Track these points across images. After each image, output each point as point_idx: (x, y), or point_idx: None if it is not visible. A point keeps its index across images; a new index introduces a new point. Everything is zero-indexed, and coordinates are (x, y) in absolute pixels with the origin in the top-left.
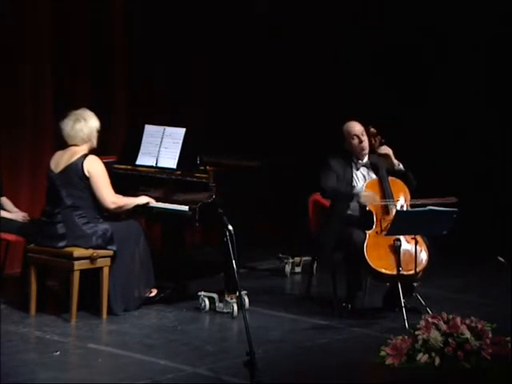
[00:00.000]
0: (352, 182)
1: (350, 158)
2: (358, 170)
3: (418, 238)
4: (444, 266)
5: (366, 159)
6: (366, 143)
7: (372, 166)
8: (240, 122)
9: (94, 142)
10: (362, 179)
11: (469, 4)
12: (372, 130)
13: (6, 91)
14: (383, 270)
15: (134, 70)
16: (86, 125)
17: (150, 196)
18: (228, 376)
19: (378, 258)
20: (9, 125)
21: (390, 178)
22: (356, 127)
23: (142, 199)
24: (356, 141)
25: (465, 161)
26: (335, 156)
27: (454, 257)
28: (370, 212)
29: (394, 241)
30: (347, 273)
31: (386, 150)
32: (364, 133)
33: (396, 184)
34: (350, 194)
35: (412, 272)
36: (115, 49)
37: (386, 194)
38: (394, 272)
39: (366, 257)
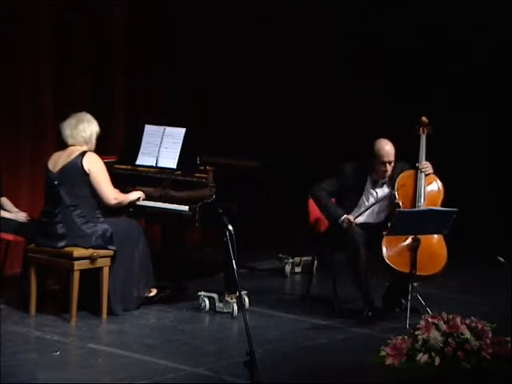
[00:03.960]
0: (360, 198)
1: (369, 172)
2: (373, 188)
3: (440, 238)
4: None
5: (385, 179)
6: (389, 172)
7: (389, 182)
8: (240, 121)
9: (93, 146)
10: (375, 196)
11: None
12: (423, 119)
13: (5, 91)
14: (395, 267)
15: (133, 70)
16: (88, 126)
17: (150, 196)
18: (228, 376)
19: (395, 252)
20: (9, 125)
21: (428, 177)
22: (385, 153)
23: (134, 195)
24: (382, 167)
25: (464, 161)
26: (353, 164)
27: (454, 257)
28: (398, 204)
29: (412, 239)
30: (353, 277)
31: (429, 169)
32: (392, 159)
33: (431, 181)
34: (333, 215)
35: (422, 273)
36: (115, 49)
37: (417, 186)
38: (406, 270)
39: (383, 247)
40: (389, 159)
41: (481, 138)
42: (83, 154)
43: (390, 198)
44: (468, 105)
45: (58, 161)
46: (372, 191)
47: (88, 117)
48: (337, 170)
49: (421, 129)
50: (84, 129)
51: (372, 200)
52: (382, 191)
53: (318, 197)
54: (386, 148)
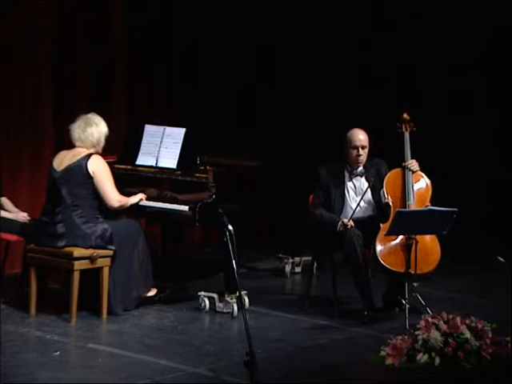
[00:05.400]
0: (344, 194)
1: (345, 166)
2: (350, 180)
3: (433, 237)
4: (444, 265)
5: (360, 168)
6: (363, 157)
7: (366, 174)
8: (240, 121)
9: (101, 147)
10: (353, 190)
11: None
12: (405, 116)
13: (6, 91)
14: (389, 267)
15: (134, 70)
16: (96, 129)
17: (151, 196)
18: (228, 376)
19: (389, 252)
20: (9, 125)
21: (415, 174)
22: (357, 138)
23: (136, 199)
24: (354, 151)
25: (464, 161)
26: (327, 165)
27: (454, 257)
28: (388, 204)
29: (406, 239)
30: (353, 276)
31: (416, 166)
32: (365, 145)
33: (418, 179)
34: (333, 223)
35: (420, 272)
36: (115, 49)
37: (406, 185)
38: (401, 270)
39: (376, 247)
40: (361, 143)
41: (481, 137)
42: (89, 156)
43: (371, 190)
44: (466, 103)
45: (63, 160)
46: (350, 183)
47: (97, 119)
48: (315, 179)
49: (403, 126)
50: (92, 132)
51: (353, 194)
52: (359, 183)
53: (315, 217)
54: (359, 134)
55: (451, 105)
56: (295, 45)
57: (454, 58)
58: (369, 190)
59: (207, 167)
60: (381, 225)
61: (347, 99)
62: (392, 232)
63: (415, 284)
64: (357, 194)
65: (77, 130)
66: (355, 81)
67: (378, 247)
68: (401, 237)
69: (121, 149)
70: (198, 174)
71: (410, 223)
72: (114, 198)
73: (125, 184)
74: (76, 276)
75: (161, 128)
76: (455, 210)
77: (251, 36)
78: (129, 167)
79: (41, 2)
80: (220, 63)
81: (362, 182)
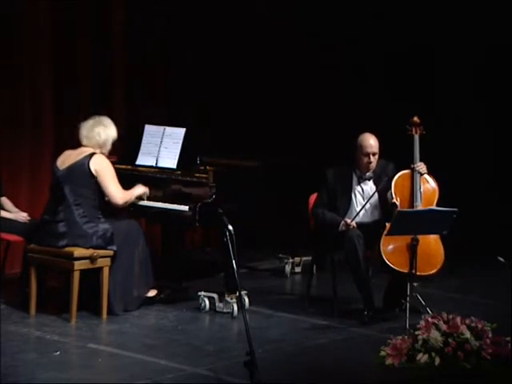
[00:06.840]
0: (351, 197)
1: (353, 169)
2: (359, 184)
3: (436, 237)
4: (444, 266)
5: (369, 172)
6: (373, 163)
7: (374, 178)
8: (240, 121)
9: (107, 150)
10: (361, 194)
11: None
12: (415, 119)
13: (5, 91)
14: (393, 266)
15: (134, 70)
16: (104, 130)
17: (150, 195)
18: (228, 376)
19: (393, 252)
20: (9, 125)
21: (423, 177)
22: (368, 144)
23: (139, 189)
24: (365, 158)
25: (464, 161)
26: (335, 168)
27: (454, 257)
28: (395, 204)
29: (411, 239)
30: (353, 276)
31: (424, 169)
32: (376, 151)
33: (426, 181)
34: (334, 223)
35: (422, 273)
36: (115, 49)
37: (413, 187)
38: (404, 270)
39: (381, 246)
40: (372, 150)
41: (481, 137)
42: (91, 155)
43: (379, 193)
44: (468, 103)
45: (66, 159)
46: (358, 188)
47: (106, 121)
48: (321, 180)
49: (413, 129)
50: (99, 132)
51: (360, 198)
52: (368, 187)
53: (317, 216)
54: (370, 139)
55: (451, 105)
56: (295, 45)
57: (455, 60)
58: (376, 193)
59: (207, 167)
60: (386, 224)
61: (347, 99)
62: (393, 232)
63: (415, 284)
64: (364, 198)
65: (85, 128)
66: (355, 80)
67: (383, 246)
68: (406, 237)
69: (121, 149)
70: (197, 174)
71: (410, 223)
72: (118, 195)
73: (124, 184)
74: (76, 276)
75: (161, 128)
76: (455, 209)
77: (251, 36)
78: (129, 167)
79: (41, 2)
80: (220, 63)
81: (370, 186)
